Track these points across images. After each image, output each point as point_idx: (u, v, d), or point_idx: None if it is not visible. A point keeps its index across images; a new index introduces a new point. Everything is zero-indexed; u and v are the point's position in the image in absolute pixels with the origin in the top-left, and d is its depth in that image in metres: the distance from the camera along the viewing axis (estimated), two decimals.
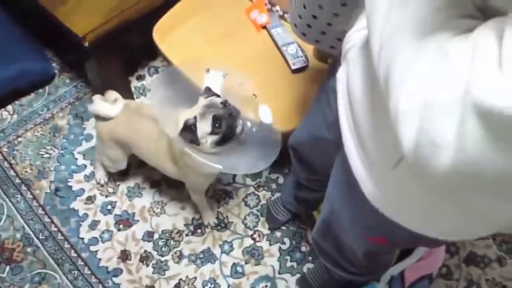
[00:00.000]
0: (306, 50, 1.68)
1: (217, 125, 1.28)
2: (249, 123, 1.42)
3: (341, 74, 0.84)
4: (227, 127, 1.29)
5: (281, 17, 1.76)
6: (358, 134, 0.77)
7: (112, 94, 1.59)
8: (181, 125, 1.29)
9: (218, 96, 1.37)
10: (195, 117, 1.29)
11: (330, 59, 1.63)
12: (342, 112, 0.82)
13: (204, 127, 1.29)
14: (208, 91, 1.37)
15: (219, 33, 1.71)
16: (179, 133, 1.28)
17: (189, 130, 1.27)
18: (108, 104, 1.56)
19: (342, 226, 1.01)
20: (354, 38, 0.80)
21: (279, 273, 1.67)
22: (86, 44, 1.64)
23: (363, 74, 0.74)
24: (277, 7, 1.75)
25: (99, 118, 1.56)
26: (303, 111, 1.57)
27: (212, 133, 1.28)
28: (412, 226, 0.76)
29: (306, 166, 1.36)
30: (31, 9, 1.91)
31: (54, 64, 2.12)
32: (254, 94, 1.48)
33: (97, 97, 1.57)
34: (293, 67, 1.63)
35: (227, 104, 1.32)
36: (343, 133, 0.81)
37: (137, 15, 1.74)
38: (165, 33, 1.72)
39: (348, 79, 0.79)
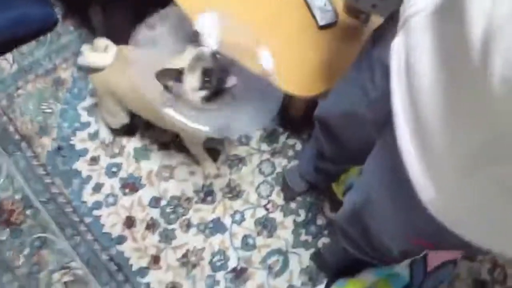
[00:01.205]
0: (336, 2, 1.47)
1: (206, 79, 1.14)
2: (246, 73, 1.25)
3: (398, 45, 0.66)
4: (217, 81, 1.15)
5: None
6: (419, 127, 0.61)
7: (101, 41, 1.45)
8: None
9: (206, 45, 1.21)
10: (182, 69, 1.15)
11: (363, 15, 1.44)
12: (396, 95, 0.65)
13: (192, 82, 1.15)
14: (196, 38, 1.21)
15: None
16: (156, 75, 1.12)
17: (171, 77, 1.14)
18: (97, 53, 1.43)
19: (379, 222, 0.88)
20: (420, 1, 0.62)
21: (292, 247, 1.57)
22: None
23: (437, 51, 0.57)
24: None
25: (92, 69, 1.44)
26: (330, 74, 1.40)
27: (202, 88, 1.15)
28: (480, 241, 0.62)
29: (333, 141, 1.21)
30: None
31: (56, 9, 1.94)
32: (258, 41, 1.31)
33: (85, 48, 1.45)
34: (320, 23, 1.44)
35: (217, 56, 1.17)
36: (397, 123, 0.65)
37: None
38: None
39: (409, 54, 0.62)
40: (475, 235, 0.62)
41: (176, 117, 1.16)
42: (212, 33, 1.27)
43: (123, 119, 1.56)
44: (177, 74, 1.16)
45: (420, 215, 0.65)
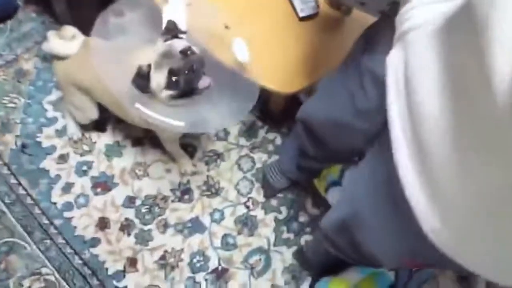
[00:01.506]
0: None
1: (173, 79, 1.09)
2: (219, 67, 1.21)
3: (394, 58, 0.62)
4: (185, 83, 1.10)
5: None
6: (421, 150, 0.56)
7: (69, 29, 1.37)
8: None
9: (182, 34, 1.16)
10: (149, 65, 1.09)
11: (344, 6, 1.39)
12: (394, 109, 0.60)
13: (158, 79, 1.09)
14: (169, 31, 1.15)
15: None
16: (132, 80, 1.08)
17: (141, 78, 1.08)
18: (63, 41, 1.35)
19: (369, 238, 0.83)
20: (419, 14, 0.57)
21: (274, 245, 1.53)
22: None
23: (442, 73, 0.52)
24: None
25: (56, 57, 1.37)
26: (312, 68, 1.35)
27: (168, 88, 1.10)
28: (486, 274, 0.58)
29: (318, 143, 1.16)
30: None
31: None
32: (226, 26, 1.25)
33: (51, 34, 1.37)
34: (301, 14, 1.38)
35: (188, 53, 1.11)
36: (394, 140, 0.60)
37: None
38: None
39: (408, 69, 0.58)
40: (481, 267, 0.58)
41: (148, 113, 1.09)
42: (178, 21, 1.20)
43: (92, 114, 1.47)
44: (147, 73, 1.09)
45: (418, 239, 0.61)
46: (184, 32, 1.17)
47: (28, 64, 1.69)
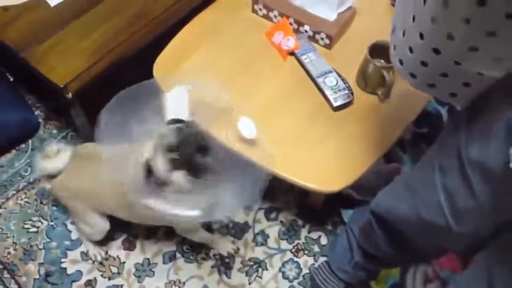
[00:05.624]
0: (348, 78, 1.32)
1: (172, 157, 0.98)
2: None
3: None
4: (183, 156, 0.98)
5: (312, 38, 1.40)
6: None
7: (52, 148, 1.37)
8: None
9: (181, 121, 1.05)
10: (148, 157, 0.99)
11: (381, 90, 1.28)
12: None
13: (161, 164, 0.99)
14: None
15: (234, 65, 1.36)
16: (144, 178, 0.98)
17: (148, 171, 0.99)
18: (49, 160, 1.34)
19: None
20: None
21: None
22: (69, 95, 1.30)
23: None
24: (306, 27, 1.39)
25: (50, 177, 1.35)
26: (353, 162, 1.22)
27: (174, 168, 0.98)
28: None
29: (398, 244, 1.02)
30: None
31: (37, 112, 1.78)
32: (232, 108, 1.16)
33: (37, 158, 1.38)
34: (334, 104, 1.27)
35: (181, 128, 1.01)
36: None
37: (133, 51, 1.39)
38: (169, 70, 1.37)
39: None
40: None
41: (161, 207, 0.98)
42: (182, 106, 1.12)
43: (102, 226, 1.37)
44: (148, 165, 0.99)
45: None
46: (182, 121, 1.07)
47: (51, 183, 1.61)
